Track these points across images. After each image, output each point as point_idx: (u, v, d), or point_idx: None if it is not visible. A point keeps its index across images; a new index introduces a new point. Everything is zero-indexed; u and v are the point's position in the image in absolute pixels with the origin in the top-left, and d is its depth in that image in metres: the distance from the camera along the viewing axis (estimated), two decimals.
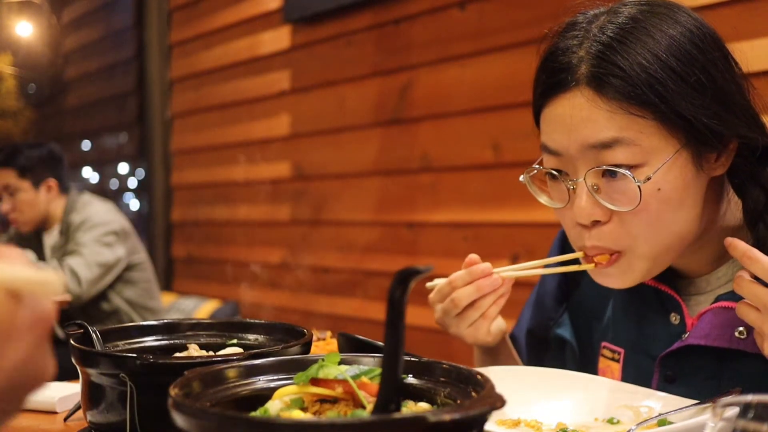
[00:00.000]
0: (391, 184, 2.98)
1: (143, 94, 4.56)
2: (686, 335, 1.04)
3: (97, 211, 3.21)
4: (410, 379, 0.73)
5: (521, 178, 1.07)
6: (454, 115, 2.71)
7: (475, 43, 2.61)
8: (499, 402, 0.60)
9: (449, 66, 2.72)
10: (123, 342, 1.04)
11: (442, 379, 0.72)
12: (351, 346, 1.02)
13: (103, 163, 5.54)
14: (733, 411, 0.56)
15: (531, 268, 1.12)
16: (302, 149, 3.43)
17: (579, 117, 0.96)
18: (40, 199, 3.27)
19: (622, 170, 0.94)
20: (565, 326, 1.24)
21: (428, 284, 1.14)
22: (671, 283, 1.09)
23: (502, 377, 1.03)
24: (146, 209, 4.69)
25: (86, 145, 5.73)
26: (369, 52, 3.04)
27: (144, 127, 4.57)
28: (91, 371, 0.90)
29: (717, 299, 1.03)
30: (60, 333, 3.24)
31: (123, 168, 5.29)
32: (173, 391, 0.63)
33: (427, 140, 2.81)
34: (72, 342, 0.92)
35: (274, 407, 0.70)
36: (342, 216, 3.22)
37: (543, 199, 1.06)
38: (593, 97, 0.95)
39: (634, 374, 1.11)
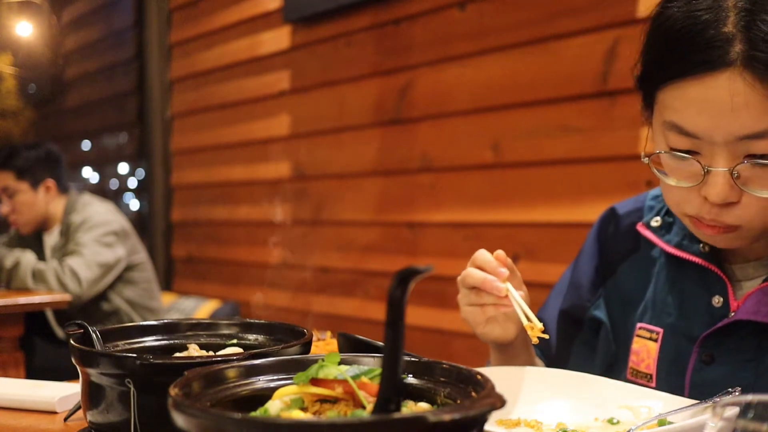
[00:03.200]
0: (391, 184, 2.98)
1: (143, 94, 4.56)
2: (732, 314, 1.04)
3: (97, 212, 3.21)
4: (410, 379, 0.73)
5: (644, 160, 1.02)
6: (454, 115, 2.71)
7: (475, 43, 2.61)
8: (499, 402, 0.59)
9: (449, 66, 2.72)
10: (123, 342, 1.04)
11: (442, 379, 0.72)
12: (351, 346, 1.01)
13: (103, 163, 5.54)
14: (733, 411, 0.56)
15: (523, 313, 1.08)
16: (302, 149, 3.43)
17: (735, 104, 0.89)
18: (39, 200, 3.27)
19: None
20: (601, 309, 1.23)
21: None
22: (721, 266, 1.08)
23: (503, 377, 1.03)
24: (146, 209, 4.69)
25: (86, 145, 5.72)
26: (369, 52, 3.04)
27: (144, 127, 4.57)
28: (91, 371, 0.89)
29: (766, 279, 1.03)
30: (60, 333, 3.25)
31: (123, 168, 5.28)
32: (173, 391, 0.63)
33: (427, 140, 2.81)
34: (72, 342, 0.92)
35: (274, 407, 0.70)
36: (342, 216, 3.22)
37: (672, 181, 1.00)
38: (753, 82, 0.88)
39: (671, 355, 1.10)
